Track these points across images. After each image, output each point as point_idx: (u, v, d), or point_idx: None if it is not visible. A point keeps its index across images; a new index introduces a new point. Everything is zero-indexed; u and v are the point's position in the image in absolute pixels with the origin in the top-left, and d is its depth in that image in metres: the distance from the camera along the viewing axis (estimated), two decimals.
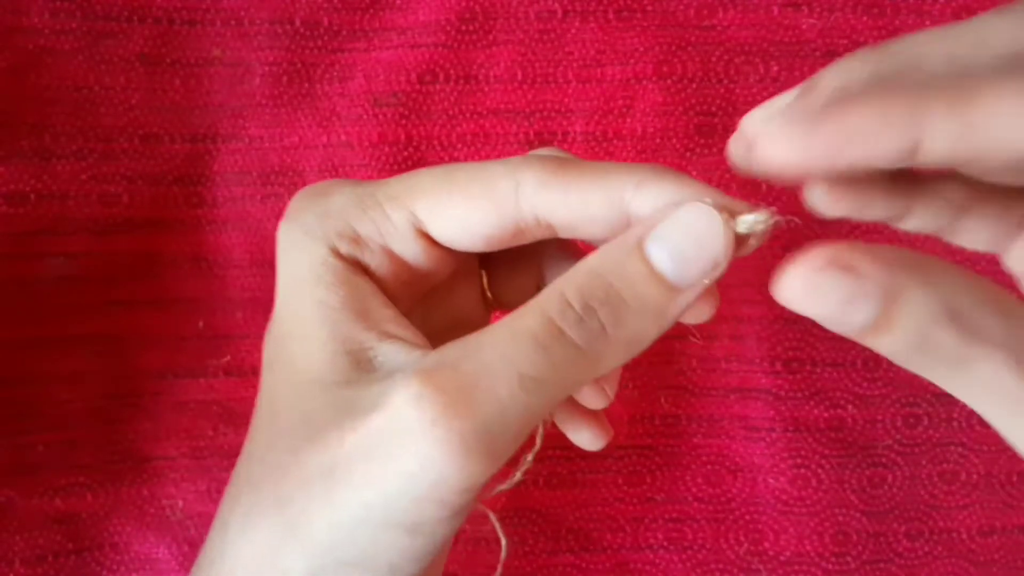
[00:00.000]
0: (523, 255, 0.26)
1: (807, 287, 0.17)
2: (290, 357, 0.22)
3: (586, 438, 0.26)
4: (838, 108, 0.17)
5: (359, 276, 0.22)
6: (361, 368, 0.20)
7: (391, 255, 0.22)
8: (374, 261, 0.22)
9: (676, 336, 0.35)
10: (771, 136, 0.17)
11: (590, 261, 0.20)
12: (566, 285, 0.20)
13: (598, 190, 0.21)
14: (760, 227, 0.20)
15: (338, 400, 0.20)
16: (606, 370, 0.20)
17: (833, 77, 0.18)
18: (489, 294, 0.26)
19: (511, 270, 0.26)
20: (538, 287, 0.25)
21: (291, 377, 0.21)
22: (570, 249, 0.26)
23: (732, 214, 0.20)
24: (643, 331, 0.20)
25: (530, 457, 0.28)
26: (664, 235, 0.19)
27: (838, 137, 0.16)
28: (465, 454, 0.18)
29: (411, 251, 0.22)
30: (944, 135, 0.16)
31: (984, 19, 0.17)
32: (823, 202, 0.19)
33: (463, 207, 0.21)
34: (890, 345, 0.17)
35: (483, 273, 0.26)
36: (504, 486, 0.29)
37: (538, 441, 0.28)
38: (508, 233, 0.22)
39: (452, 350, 0.20)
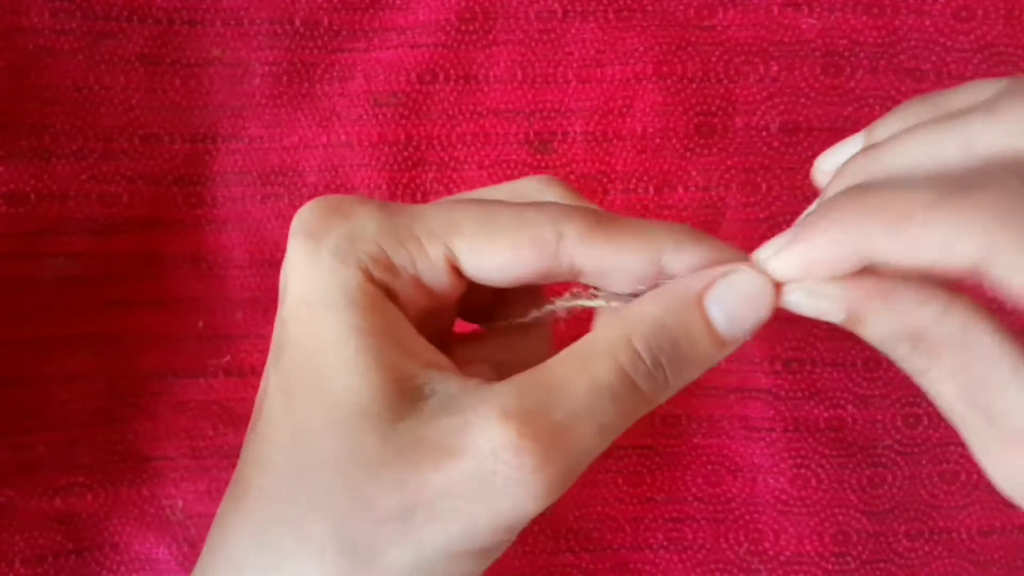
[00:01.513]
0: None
1: (790, 301, 0.21)
2: (321, 387, 0.21)
3: None
4: (804, 231, 0.20)
5: (391, 303, 0.22)
6: (410, 398, 0.21)
7: (419, 284, 0.22)
8: (403, 289, 0.22)
9: None
10: (772, 253, 0.21)
11: (653, 313, 0.21)
12: (634, 335, 0.21)
13: (638, 248, 0.22)
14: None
15: (397, 435, 0.20)
16: (656, 406, 0.22)
17: (840, 180, 0.22)
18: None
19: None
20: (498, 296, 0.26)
21: (326, 410, 0.21)
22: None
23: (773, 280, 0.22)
24: (692, 378, 0.22)
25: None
26: (721, 296, 0.21)
27: (810, 259, 0.20)
28: (551, 490, 0.20)
29: (440, 283, 0.22)
30: (889, 254, 0.19)
31: (974, 118, 0.20)
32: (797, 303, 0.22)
33: (505, 252, 0.22)
34: (866, 339, 0.21)
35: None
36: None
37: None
38: (540, 276, 0.22)
39: (533, 393, 0.20)
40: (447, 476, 0.20)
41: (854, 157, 0.22)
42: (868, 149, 0.21)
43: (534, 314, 0.25)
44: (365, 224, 0.22)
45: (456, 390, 0.21)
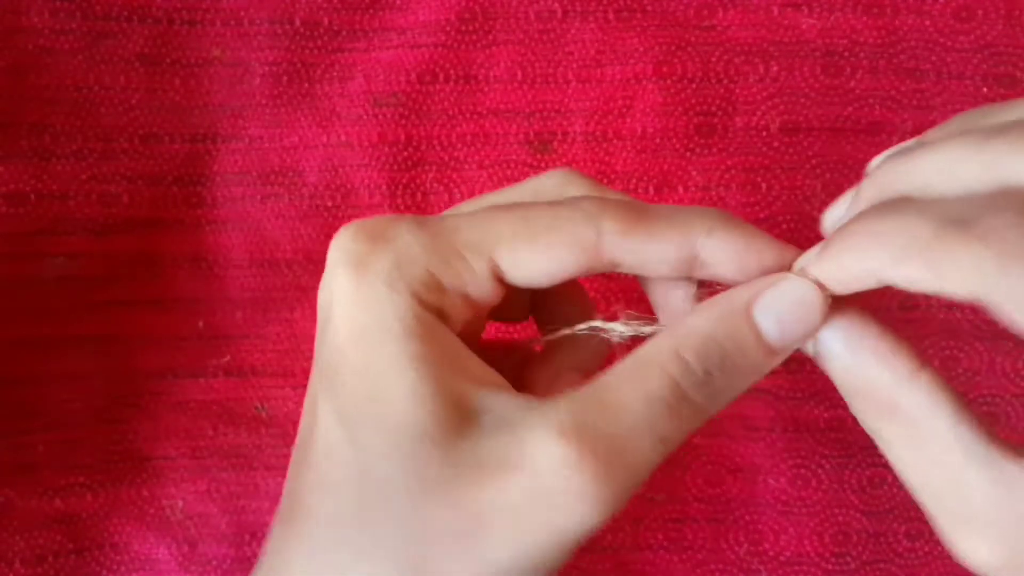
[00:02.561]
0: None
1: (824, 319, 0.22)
2: (383, 414, 0.21)
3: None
4: (828, 247, 0.21)
5: (443, 325, 0.22)
6: (468, 419, 0.21)
7: (467, 300, 0.23)
8: (451, 307, 0.22)
9: None
10: (813, 264, 0.22)
11: (702, 324, 0.22)
12: (683, 347, 0.21)
13: (672, 237, 0.22)
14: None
15: (456, 455, 0.20)
16: (710, 418, 0.22)
17: (870, 191, 0.22)
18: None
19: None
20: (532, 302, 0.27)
21: (388, 436, 0.21)
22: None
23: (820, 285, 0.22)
24: (743, 387, 0.22)
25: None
26: (770, 306, 0.22)
27: (829, 273, 0.21)
28: (610, 503, 0.20)
29: (485, 295, 0.23)
30: (894, 281, 0.19)
31: (999, 140, 0.20)
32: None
33: (547, 256, 0.22)
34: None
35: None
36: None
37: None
38: (580, 274, 0.23)
39: (588, 409, 0.21)
40: (505, 492, 0.20)
41: (891, 160, 0.22)
42: (902, 153, 0.21)
43: (587, 326, 0.25)
44: (411, 247, 0.22)
45: (511, 407, 0.21)
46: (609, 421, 0.20)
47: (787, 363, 0.34)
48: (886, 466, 0.35)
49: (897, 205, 0.20)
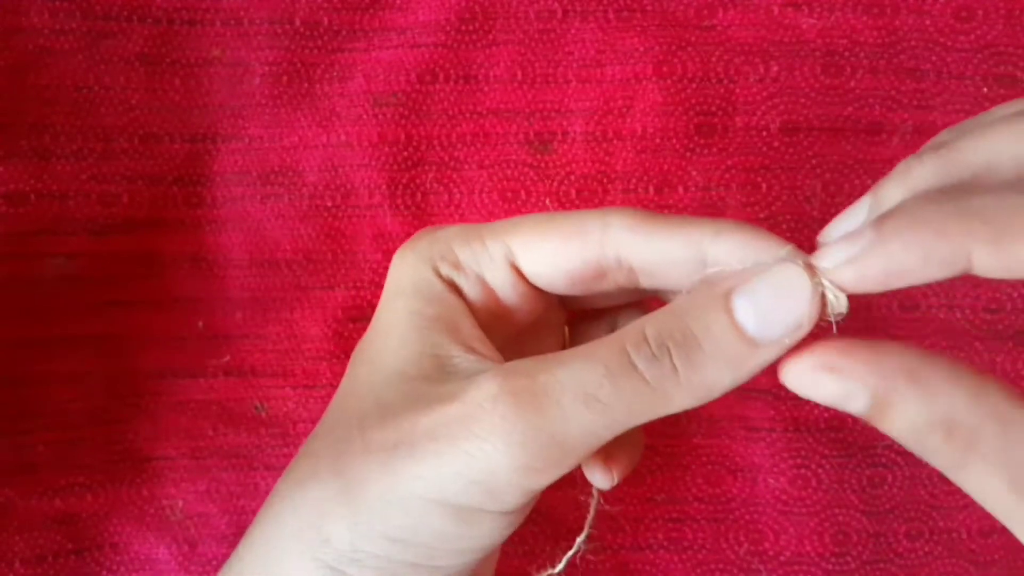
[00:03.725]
0: (604, 314, 0.28)
1: (806, 383, 0.20)
2: (376, 355, 0.24)
3: (597, 478, 0.28)
4: (892, 230, 0.18)
5: (454, 295, 0.24)
6: (443, 370, 0.22)
7: (484, 284, 0.25)
8: (468, 286, 0.25)
9: None
10: (836, 264, 0.19)
11: (675, 303, 0.21)
12: (647, 322, 0.21)
13: (679, 236, 0.23)
14: (844, 307, 0.20)
15: (416, 391, 0.22)
16: (677, 409, 0.20)
17: (896, 187, 0.20)
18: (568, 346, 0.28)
19: (592, 327, 0.28)
20: None
21: (373, 370, 0.24)
22: (646, 310, 0.27)
23: (815, 272, 0.20)
24: (716, 379, 0.20)
25: (580, 539, 0.28)
26: (751, 290, 0.20)
27: (889, 268, 0.18)
28: (522, 450, 0.20)
29: (502, 282, 0.25)
30: (988, 267, 0.17)
31: None
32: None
33: (554, 243, 0.24)
34: (889, 434, 0.19)
35: (566, 329, 0.28)
36: (558, 567, 0.29)
37: (586, 528, 0.28)
38: (591, 272, 0.24)
39: (531, 362, 0.21)
40: (434, 418, 0.21)
41: (918, 158, 0.20)
42: (940, 148, 0.20)
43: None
44: (445, 233, 0.25)
45: (482, 366, 0.22)
46: (540, 368, 0.21)
47: None
48: (886, 466, 0.35)
49: (981, 190, 0.18)
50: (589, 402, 0.20)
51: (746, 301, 0.20)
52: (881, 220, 0.19)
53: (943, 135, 0.22)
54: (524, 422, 0.20)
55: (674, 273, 0.23)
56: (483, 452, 0.20)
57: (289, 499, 0.23)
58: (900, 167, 0.21)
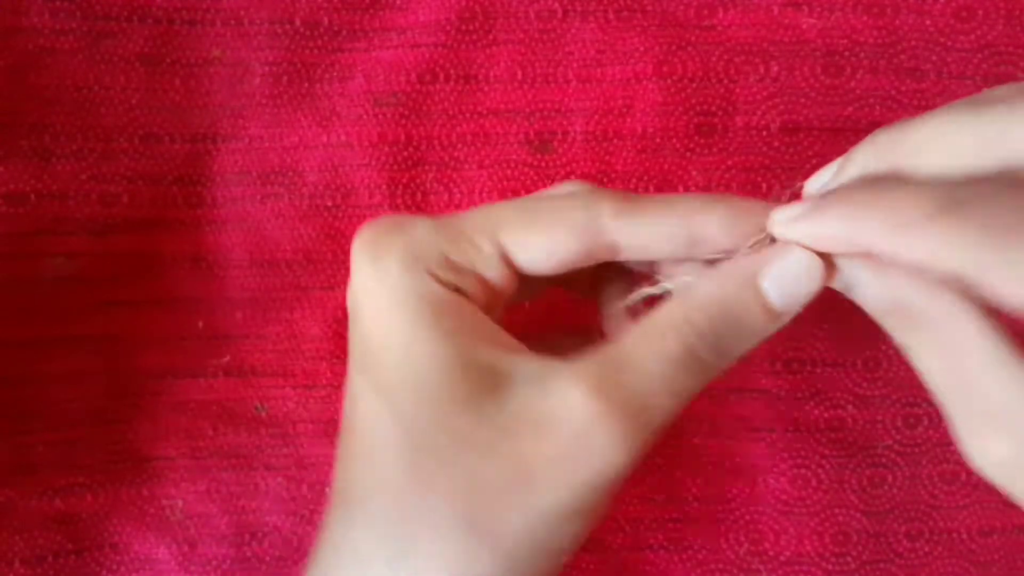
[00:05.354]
0: (583, 278, 0.29)
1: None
2: (415, 384, 0.23)
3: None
4: (818, 209, 0.23)
5: (463, 299, 0.24)
6: (494, 380, 0.23)
7: (481, 280, 0.25)
8: (468, 286, 0.25)
9: None
10: (784, 221, 0.24)
11: (714, 290, 0.24)
12: (697, 315, 0.23)
13: (666, 214, 0.25)
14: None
15: (491, 413, 0.23)
16: (718, 375, 0.24)
17: (862, 154, 0.23)
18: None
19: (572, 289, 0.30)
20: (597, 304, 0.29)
21: (422, 400, 0.23)
22: (623, 271, 0.29)
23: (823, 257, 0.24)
24: (749, 348, 0.24)
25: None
26: (776, 274, 0.23)
27: (815, 233, 0.23)
28: (634, 450, 0.23)
29: (498, 276, 0.25)
30: (883, 252, 0.21)
31: (994, 112, 0.20)
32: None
33: (546, 236, 0.25)
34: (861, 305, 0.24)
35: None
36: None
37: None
38: (582, 257, 0.25)
39: (610, 367, 0.23)
40: (547, 445, 0.22)
41: (885, 131, 0.23)
42: (901, 125, 0.23)
43: (638, 296, 0.27)
44: (423, 233, 0.24)
45: (535, 367, 0.23)
46: (631, 379, 0.23)
47: (787, 363, 0.35)
48: (886, 466, 0.35)
49: (892, 184, 0.22)
50: (677, 396, 0.23)
51: (772, 284, 0.23)
52: (820, 197, 0.23)
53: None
54: (638, 433, 0.22)
55: (661, 250, 0.25)
56: (605, 463, 0.22)
57: (411, 558, 0.22)
58: (870, 136, 0.24)
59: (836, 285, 0.24)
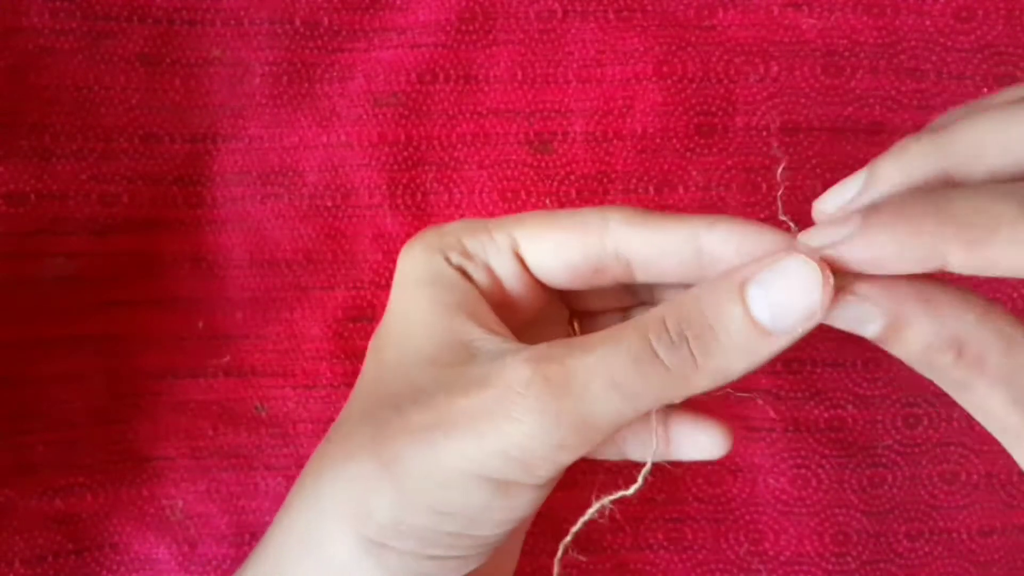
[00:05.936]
0: (609, 303, 0.29)
1: (824, 307, 0.20)
2: (402, 343, 0.25)
3: (705, 445, 0.27)
4: (874, 224, 0.20)
5: (466, 282, 0.26)
6: (469, 352, 0.24)
7: (491, 272, 0.26)
8: (477, 273, 0.26)
9: None
10: (823, 245, 0.21)
11: (693, 292, 0.22)
12: (667, 311, 0.22)
13: (675, 228, 0.24)
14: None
15: (448, 375, 0.23)
16: (697, 391, 0.22)
17: (891, 165, 0.21)
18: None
19: (594, 324, 0.29)
20: None
21: (402, 358, 0.25)
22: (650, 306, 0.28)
23: (833, 268, 0.21)
24: (730, 366, 0.22)
25: (647, 469, 0.28)
26: (765, 282, 0.21)
27: (872, 252, 0.20)
28: (556, 430, 0.22)
29: (508, 271, 0.26)
30: (961, 266, 0.19)
31: None
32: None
33: (556, 235, 0.25)
34: (900, 355, 0.21)
35: (575, 324, 0.30)
36: (632, 488, 0.29)
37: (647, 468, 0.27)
38: (591, 265, 0.25)
39: (559, 348, 0.22)
40: (472, 401, 0.22)
41: (916, 139, 0.21)
42: (932, 134, 0.21)
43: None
44: (451, 228, 0.27)
45: (508, 347, 0.24)
46: (575, 362, 0.22)
47: (787, 363, 0.35)
48: (886, 466, 0.35)
49: (962, 194, 0.19)
50: (615, 387, 0.21)
51: (759, 292, 0.21)
52: (869, 211, 0.20)
53: (944, 117, 0.22)
54: (558, 405, 0.21)
55: (671, 266, 0.25)
56: (521, 432, 0.22)
57: (327, 479, 0.24)
58: (897, 146, 0.22)
59: (874, 330, 0.20)
